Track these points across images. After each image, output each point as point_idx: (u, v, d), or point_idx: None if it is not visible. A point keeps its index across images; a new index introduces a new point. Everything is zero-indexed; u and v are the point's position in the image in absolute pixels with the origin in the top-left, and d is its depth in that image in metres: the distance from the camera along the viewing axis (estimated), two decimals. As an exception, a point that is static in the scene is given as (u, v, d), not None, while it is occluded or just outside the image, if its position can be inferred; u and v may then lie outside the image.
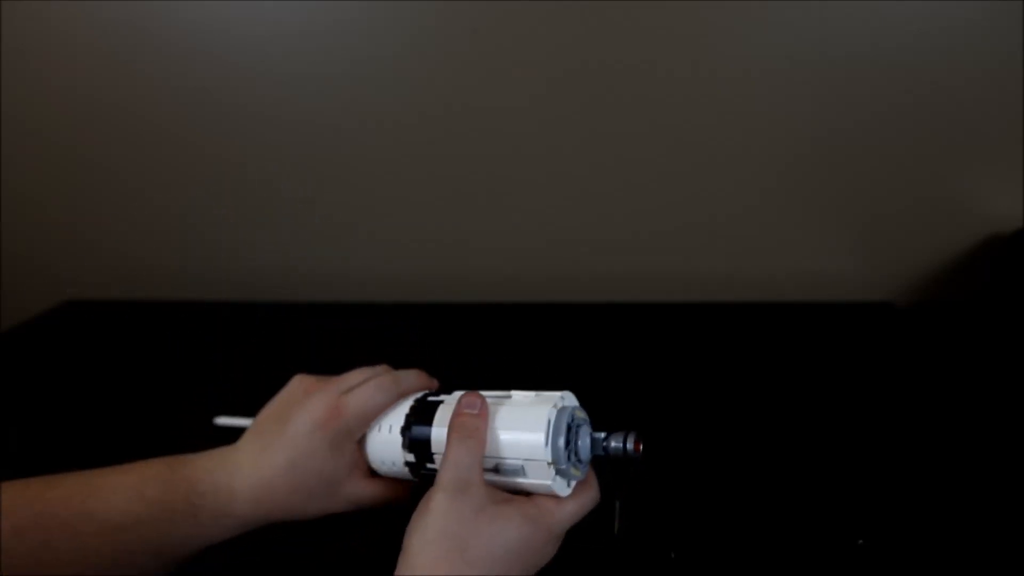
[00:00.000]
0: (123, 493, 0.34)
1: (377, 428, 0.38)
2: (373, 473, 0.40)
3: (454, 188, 0.77)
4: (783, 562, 0.41)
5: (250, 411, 0.42)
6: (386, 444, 0.38)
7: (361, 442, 0.39)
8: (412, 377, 0.41)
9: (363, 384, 0.38)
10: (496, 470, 0.34)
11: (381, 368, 0.42)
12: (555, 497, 0.34)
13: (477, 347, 0.70)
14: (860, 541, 0.42)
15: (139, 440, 0.54)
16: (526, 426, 0.33)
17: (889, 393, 0.58)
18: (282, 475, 0.36)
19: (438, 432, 0.36)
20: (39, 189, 0.83)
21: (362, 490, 0.39)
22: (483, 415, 0.34)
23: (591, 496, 0.36)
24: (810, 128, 0.68)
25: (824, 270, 0.76)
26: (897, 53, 0.64)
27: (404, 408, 0.38)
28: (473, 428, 0.34)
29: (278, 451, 0.36)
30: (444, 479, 0.32)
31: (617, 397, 0.58)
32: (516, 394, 0.37)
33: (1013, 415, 0.54)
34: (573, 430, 0.34)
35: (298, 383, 0.41)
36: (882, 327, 0.70)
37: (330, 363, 0.66)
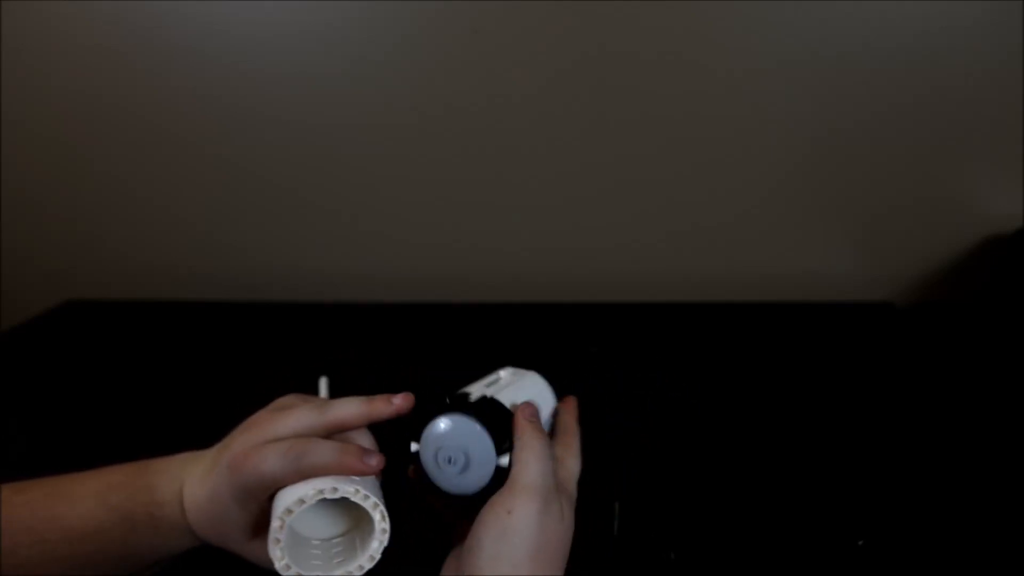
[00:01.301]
0: (89, 499, 0.34)
1: (276, 499, 0.31)
2: None
3: (455, 189, 0.77)
4: (783, 562, 0.41)
5: (246, 414, 0.42)
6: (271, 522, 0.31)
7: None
8: (326, 452, 0.32)
9: (272, 445, 0.32)
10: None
11: (312, 418, 0.34)
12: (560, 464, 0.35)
13: (477, 347, 0.70)
14: (860, 541, 0.42)
15: (140, 440, 0.54)
16: (538, 390, 0.40)
17: (889, 393, 0.58)
18: (206, 503, 0.33)
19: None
20: (39, 189, 0.83)
21: (264, 556, 0.31)
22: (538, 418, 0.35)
23: (577, 454, 0.37)
24: (810, 129, 0.68)
25: (824, 270, 0.76)
26: (897, 53, 0.64)
27: (299, 490, 0.31)
28: (543, 436, 0.33)
29: (210, 476, 0.33)
30: (532, 487, 0.30)
31: (618, 397, 0.58)
32: (502, 373, 0.41)
33: (1013, 415, 0.54)
34: None
35: (274, 404, 0.37)
36: (882, 327, 0.70)
37: (329, 363, 0.67)
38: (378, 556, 0.32)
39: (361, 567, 0.32)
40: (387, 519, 0.32)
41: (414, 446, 0.34)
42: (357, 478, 0.32)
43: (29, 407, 0.63)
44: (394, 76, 0.71)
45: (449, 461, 0.33)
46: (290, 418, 0.34)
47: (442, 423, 0.33)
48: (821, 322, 0.71)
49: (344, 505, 0.34)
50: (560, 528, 0.31)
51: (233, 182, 0.80)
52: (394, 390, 0.36)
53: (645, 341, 0.69)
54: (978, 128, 0.66)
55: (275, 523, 0.30)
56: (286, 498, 0.31)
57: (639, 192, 0.74)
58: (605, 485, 0.46)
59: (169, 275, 0.87)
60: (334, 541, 0.34)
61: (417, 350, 0.69)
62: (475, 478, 0.33)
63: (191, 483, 0.35)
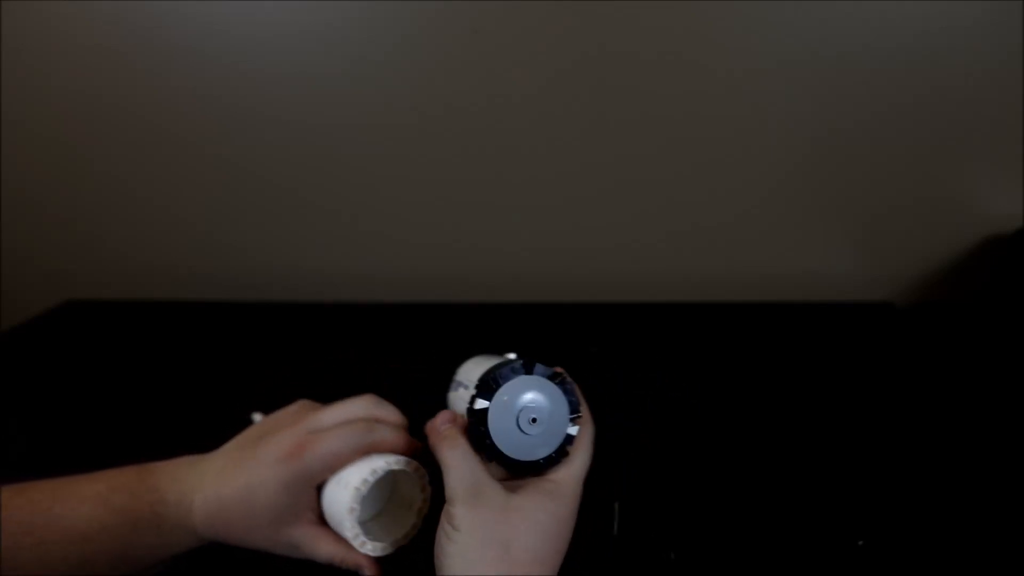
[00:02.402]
0: (90, 501, 0.34)
1: (336, 479, 0.36)
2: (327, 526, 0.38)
3: (455, 189, 0.77)
4: (783, 562, 0.41)
5: (245, 413, 0.42)
6: (335, 498, 0.35)
7: (322, 489, 0.37)
8: (388, 433, 0.37)
9: (334, 429, 0.36)
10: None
11: (364, 407, 0.39)
12: (563, 463, 0.35)
13: (477, 347, 0.70)
14: (860, 541, 0.42)
15: (140, 440, 0.54)
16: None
17: (889, 393, 0.58)
18: (236, 498, 0.35)
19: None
20: (39, 189, 0.83)
21: (307, 539, 0.36)
22: (457, 422, 0.35)
23: (587, 449, 0.36)
24: (810, 129, 0.68)
25: (824, 270, 0.76)
26: (897, 53, 0.64)
27: (368, 464, 0.35)
28: (453, 436, 0.34)
29: (241, 472, 0.35)
30: (453, 493, 0.32)
31: (618, 397, 0.58)
32: (511, 356, 0.43)
33: (1013, 415, 0.54)
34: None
35: (294, 408, 0.40)
36: (882, 327, 0.70)
37: (330, 363, 0.67)
38: (413, 533, 0.37)
39: (407, 535, 0.37)
40: (428, 501, 0.38)
41: (481, 403, 0.34)
42: (406, 458, 0.37)
43: (29, 407, 0.63)
44: (394, 76, 0.71)
45: (532, 422, 0.34)
46: (337, 411, 0.38)
47: (535, 385, 0.35)
48: (821, 322, 0.71)
49: (374, 494, 0.39)
50: (515, 519, 0.31)
51: (233, 182, 0.80)
52: (393, 390, 0.37)
53: (645, 341, 0.69)
54: (978, 128, 0.66)
55: (348, 494, 0.34)
56: (355, 473, 0.35)
57: (639, 192, 0.74)
58: (605, 485, 0.46)
59: (169, 275, 0.87)
60: (368, 523, 0.39)
61: (417, 350, 0.69)
62: (545, 444, 0.35)
63: (206, 482, 0.36)
